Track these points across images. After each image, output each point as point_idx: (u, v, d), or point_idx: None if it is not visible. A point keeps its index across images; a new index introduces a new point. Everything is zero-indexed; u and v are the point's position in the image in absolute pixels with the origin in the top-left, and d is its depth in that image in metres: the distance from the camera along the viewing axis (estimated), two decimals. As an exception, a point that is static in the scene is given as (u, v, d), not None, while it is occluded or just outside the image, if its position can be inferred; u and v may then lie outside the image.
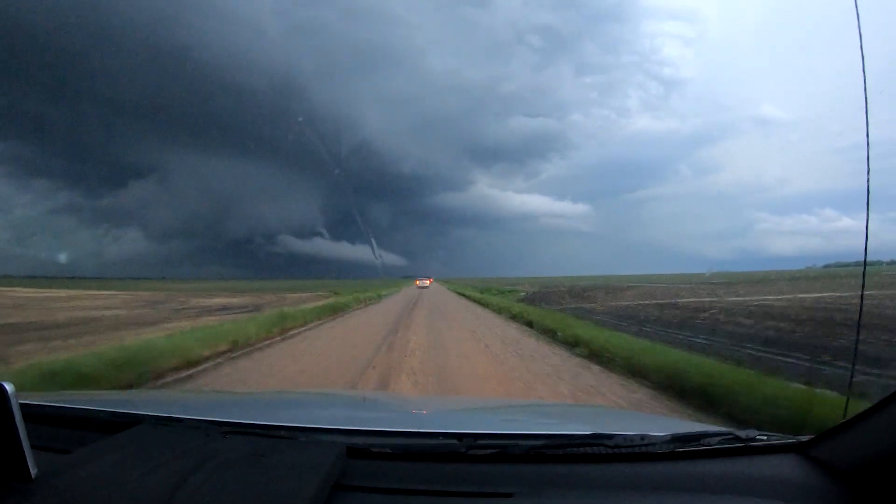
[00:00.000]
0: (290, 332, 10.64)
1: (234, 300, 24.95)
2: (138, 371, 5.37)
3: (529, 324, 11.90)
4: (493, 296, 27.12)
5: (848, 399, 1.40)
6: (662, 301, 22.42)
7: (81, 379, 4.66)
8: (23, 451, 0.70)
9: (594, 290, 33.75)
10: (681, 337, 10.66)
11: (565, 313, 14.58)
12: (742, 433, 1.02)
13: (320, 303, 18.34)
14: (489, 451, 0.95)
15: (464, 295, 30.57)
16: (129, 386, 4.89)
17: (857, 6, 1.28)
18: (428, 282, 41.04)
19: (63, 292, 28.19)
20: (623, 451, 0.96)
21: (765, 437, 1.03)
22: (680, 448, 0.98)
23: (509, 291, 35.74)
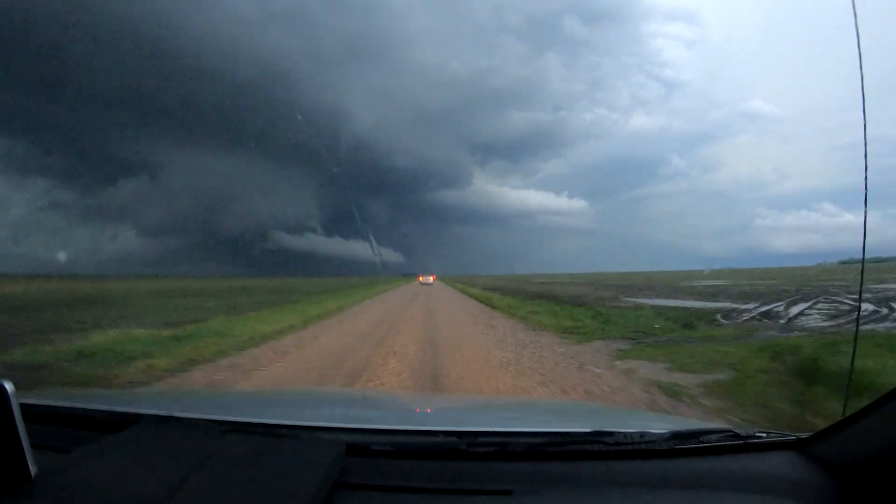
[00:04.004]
0: None
1: None
2: None
3: None
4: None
5: (847, 397, 1.40)
6: None
7: None
8: (23, 451, 0.69)
9: None
10: None
11: None
12: (741, 430, 1.02)
13: None
14: (489, 448, 0.95)
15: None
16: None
17: (854, 7, 1.28)
18: (431, 279, 40.83)
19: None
20: (623, 448, 0.96)
21: (764, 435, 1.03)
22: (679, 445, 0.98)
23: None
